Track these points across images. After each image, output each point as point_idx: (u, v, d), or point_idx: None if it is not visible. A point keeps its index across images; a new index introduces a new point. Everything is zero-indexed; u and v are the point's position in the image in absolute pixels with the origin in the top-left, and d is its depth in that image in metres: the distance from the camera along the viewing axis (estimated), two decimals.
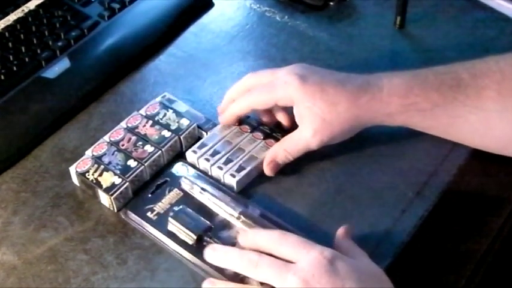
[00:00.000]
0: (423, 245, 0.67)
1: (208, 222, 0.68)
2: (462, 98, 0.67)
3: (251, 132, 0.75)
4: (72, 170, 0.73)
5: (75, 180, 0.73)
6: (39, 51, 0.85)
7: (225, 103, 0.76)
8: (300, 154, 0.71)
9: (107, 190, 0.70)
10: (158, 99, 0.79)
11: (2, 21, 0.88)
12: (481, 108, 0.67)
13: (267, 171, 0.71)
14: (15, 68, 0.82)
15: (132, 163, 0.72)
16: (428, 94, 0.68)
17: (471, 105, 0.67)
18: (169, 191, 0.71)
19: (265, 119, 0.75)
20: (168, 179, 0.72)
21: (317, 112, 0.68)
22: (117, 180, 0.70)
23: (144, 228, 0.69)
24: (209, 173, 0.73)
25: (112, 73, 0.84)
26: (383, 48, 0.86)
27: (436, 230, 0.68)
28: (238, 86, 0.75)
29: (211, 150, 0.73)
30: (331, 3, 0.93)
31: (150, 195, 0.71)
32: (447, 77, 0.68)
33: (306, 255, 0.58)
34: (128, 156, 0.73)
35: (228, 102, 0.75)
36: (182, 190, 0.71)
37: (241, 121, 0.76)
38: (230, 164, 0.72)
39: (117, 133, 0.75)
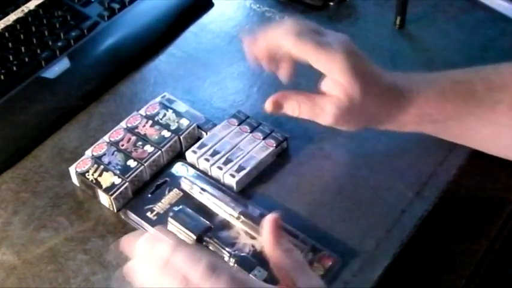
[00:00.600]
0: (423, 245, 0.67)
1: (208, 222, 0.68)
2: (476, 111, 0.67)
3: (251, 132, 0.75)
4: (72, 170, 0.73)
5: (75, 180, 0.73)
6: (39, 51, 0.85)
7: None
8: (306, 117, 0.69)
9: (107, 190, 0.70)
10: (158, 99, 0.79)
11: (2, 21, 0.89)
12: (494, 122, 0.67)
13: (268, 105, 0.69)
14: (15, 68, 0.82)
15: (131, 163, 0.72)
16: (443, 106, 0.67)
17: (484, 119, 0.67)
18: (169, 191, 0.71)
19: (272, 65, 0.70)
20: (167, 179, 0.72)
21: (350, 93, 0.65)
22: (117, 180, 0.70)
23: (144, 229, 0.69)
24: (209, 173, 0.73)
25: (112, 73, 0.84)
26: (383, 48, 0.86)
27: (436, 230, 0.68)
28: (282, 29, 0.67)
29: (211, 150, 0.73)
30: (331, 4, 0.93)
31: (149, 195, 0.71)
32: (462, 87, 0.67)
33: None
34: (127, 156, 0.73)
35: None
36: (182, 190, 0.71)
37: (241, 121, 0.76)
38: (230, 164, 0.72)
39: (117, 133, 0.75)
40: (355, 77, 0.65)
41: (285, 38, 0.66)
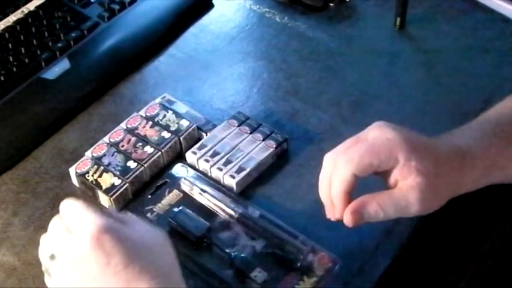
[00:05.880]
0: (423, 246, 0.67)
1: (207, 223, 0.67)
2: None
3: (251, 133, 0.75)
4: (72, 171, 0.73)
5: (75, 181, 0.73)
6: (39, 52, 0.85)
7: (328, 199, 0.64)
8: (394, 216, 0.61)
9: (107, 191, 0.70)
10: (158, 100, 0.79)
11: (2, 22, 0.89)
12: None
13: (348, 219, 0.61)
14: (15, 69, 0.82)
15: (131, 164, 0.72)
16: (504, 151, 0.64)
17: None
18: (169, 192, 0.71)
19: None
20: (167, 180, 0.72)
21: (424, 173, 0.60)
22: (117, 181, 0.70)
23: None
24: (209, 174, 0.73)
25: (112, 74, 0.84)
26: (383, 49, 0.86)
27: (436, 231, 0.68)
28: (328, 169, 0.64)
29: (211, 151, 0.73)
30: (331, 4, 0.93)
31: (149, 196, 0.71)
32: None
33: (78, 228, 0.56)
34: (127, 157, 0.73)
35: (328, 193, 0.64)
36: (182, 191, 0.71)
37: (241, 122, 0.76)
38: (230, 165, 0.72)
39: (117, 134, 0.75)
40: (420, 151, 0.61)
41: (344, 168, 0.61)
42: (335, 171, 0.62)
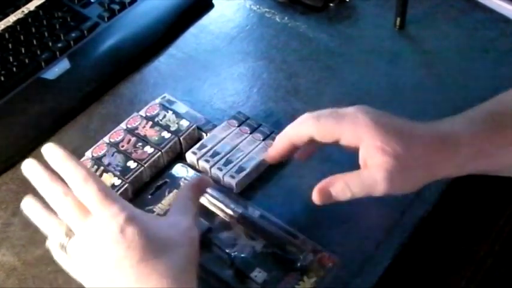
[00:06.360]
0: (423, 246, 0.67)
1: (207, 223, 0.68)
2: None
3: (251, 133, 0.75)
4: None
5: None
6: (39, 52, 0.85)
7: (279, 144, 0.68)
8: (361, 195, 0.62)
9: None
10: (158, 100, 0.79)
11: (2, 22, 0.89)
12: None
13: (315, 197, 0.63)
14: (15, 69, 0.82)
15: (131, 164, 0.72)
16: (492, 138, 0.64)
17: None
18: (169, 192, 0.71)
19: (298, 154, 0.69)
20: (167, 180, 0.72)
21: (391, 153, 0.60)
22: (117, 182, 0.70)
23: None
24: (209, 174, 0.73)
25: (112, 74, 0.84)
26: (383, 49, 0.86)
27: (436, 231, 0.68)
28: (297, 130, 0.66)
29: (211, 151, 0.73)
30: (331, 5, 0.93)
31: (149, 197, 0.71)
32: (507, 118, 0.65)
33: (100, 212, 0.56)
34: (127, 157, 0.73)
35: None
36: None
37: (241, 122, 0.76)
38: (230, 165, 0.72)
39: (116, 134, 0.75)
40: (388, 133, 0.61)
41: (306, 125, 0.64)
42: (300, 125, 0.65)
